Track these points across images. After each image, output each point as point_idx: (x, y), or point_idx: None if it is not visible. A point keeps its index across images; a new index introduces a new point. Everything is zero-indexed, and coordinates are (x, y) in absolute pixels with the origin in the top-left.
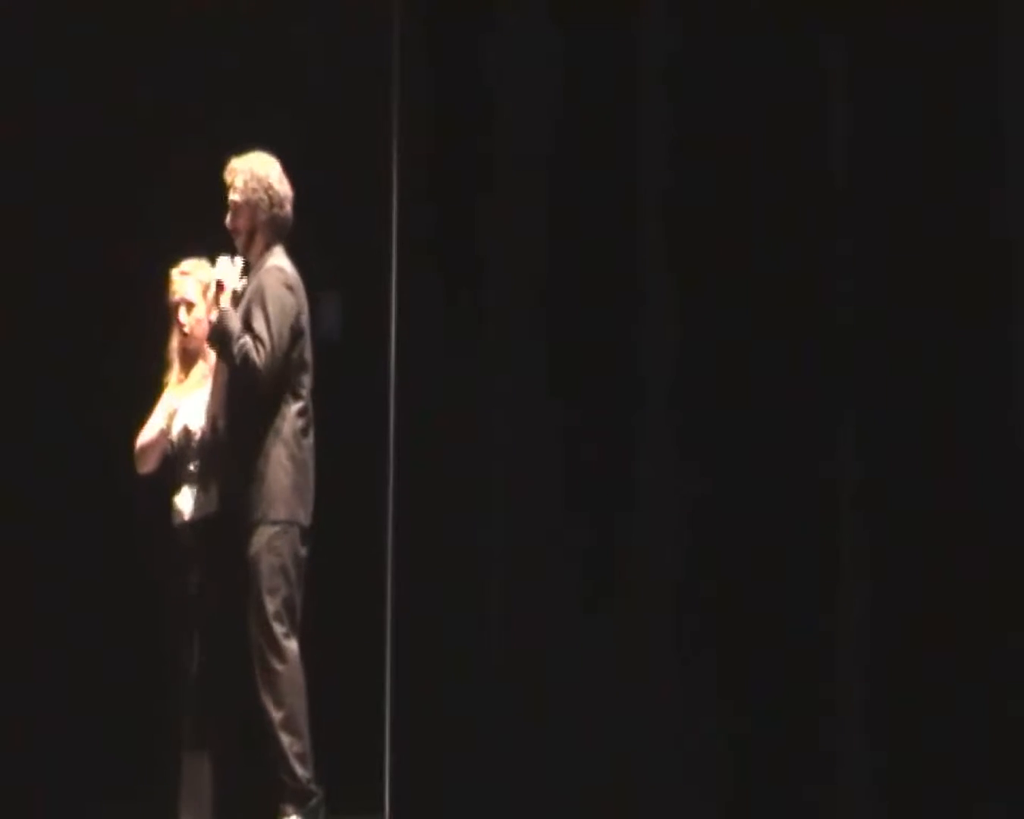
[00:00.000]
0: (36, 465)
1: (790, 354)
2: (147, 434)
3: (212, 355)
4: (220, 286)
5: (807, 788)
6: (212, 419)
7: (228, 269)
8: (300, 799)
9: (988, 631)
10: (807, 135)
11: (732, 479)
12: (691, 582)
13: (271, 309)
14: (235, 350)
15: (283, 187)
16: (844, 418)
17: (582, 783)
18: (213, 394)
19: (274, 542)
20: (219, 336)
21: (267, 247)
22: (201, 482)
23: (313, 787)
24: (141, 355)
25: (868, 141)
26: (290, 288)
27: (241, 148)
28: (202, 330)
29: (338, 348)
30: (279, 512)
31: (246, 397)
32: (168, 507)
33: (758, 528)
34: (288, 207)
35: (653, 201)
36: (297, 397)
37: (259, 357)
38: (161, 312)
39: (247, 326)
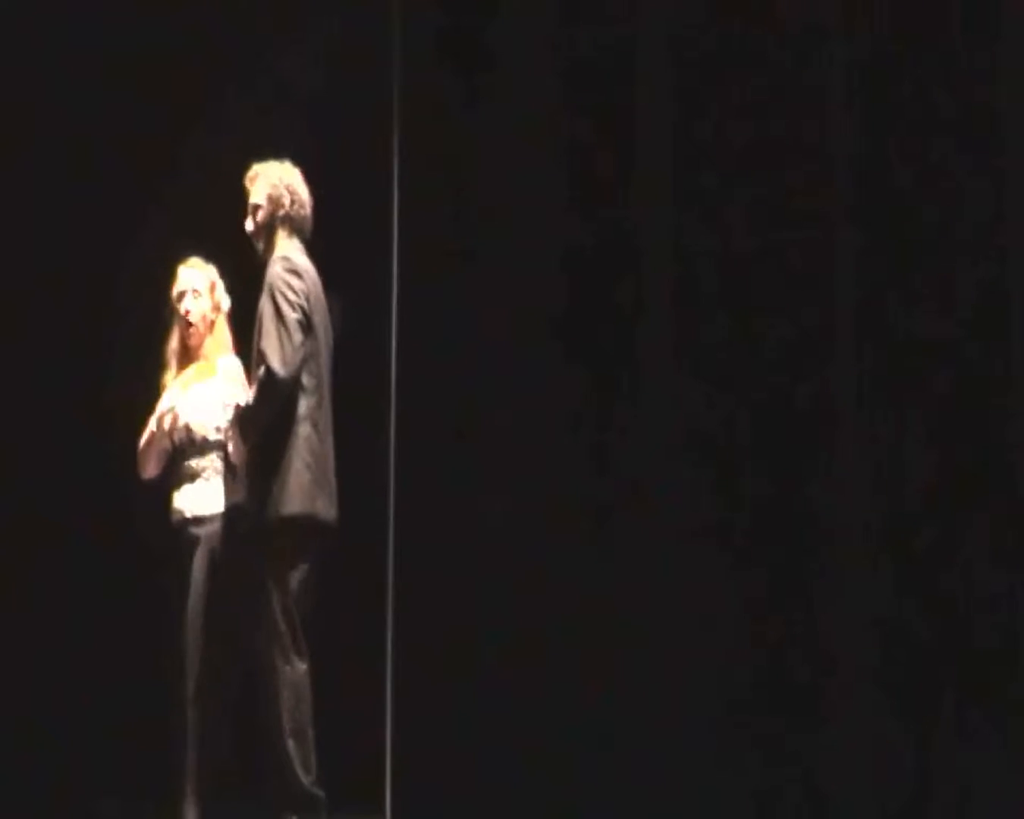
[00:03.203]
0: (36, 464)
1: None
2: (143, 439)
3: (211, 352)
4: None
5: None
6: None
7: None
8: (302, 802)
9: None
10: None
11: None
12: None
13: (281, 302)
14: (253, 412)
15: (304, 192)
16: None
17: (582, 782)
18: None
19: (292, 537)
20: (244, 431)
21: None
22: (202, 480)
23: (315, 790)
24: (142, 354)
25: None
26: (295, 273)
27: (242, 147)
28: (205, 323)
29: (338, 348)
30: (297, 507)
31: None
32: (167, 505)
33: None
34: (307, 211)
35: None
36: (314, 390)
37: (272, 374)
38: (161, 312)
39: (259, 327)
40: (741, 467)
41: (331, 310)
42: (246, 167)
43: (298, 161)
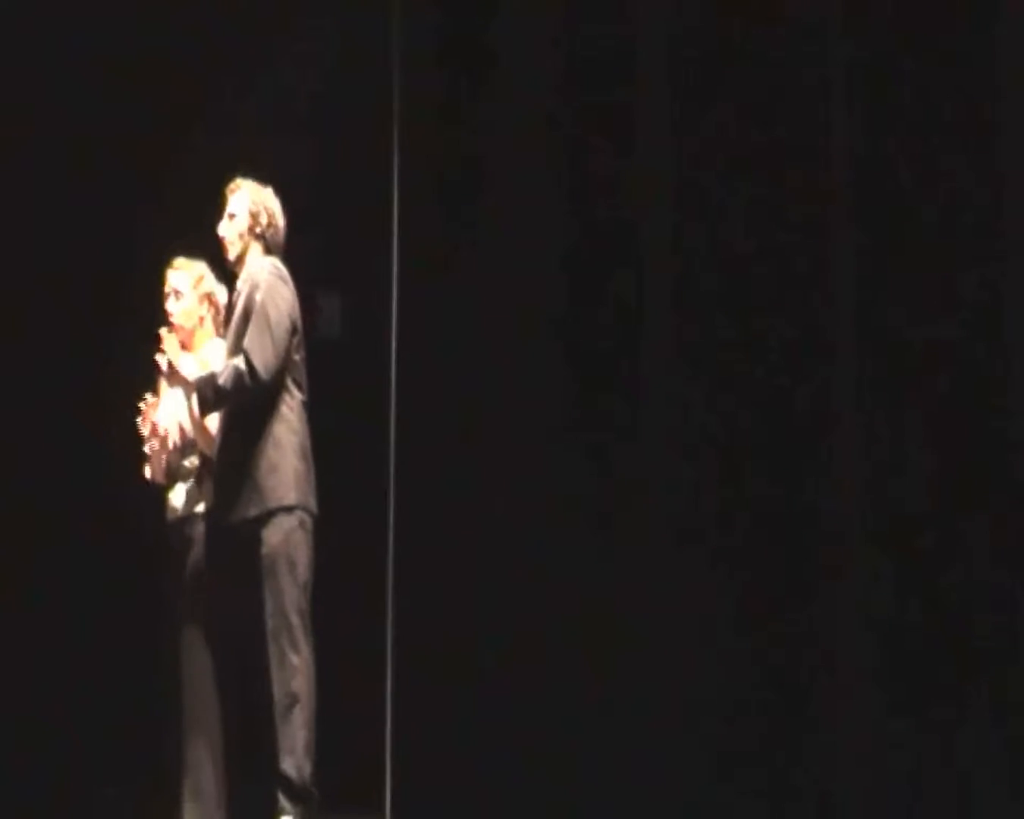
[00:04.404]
0: (34, 463)
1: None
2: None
3: (201, 348)
4: (171, 367)
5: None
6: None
7: (172, 346)
8: (300, 797)
9: None
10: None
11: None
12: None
13: (269, 304)
14: (222, 390)
15: (281, 219)
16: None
17: (582, 782)
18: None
19: (292, 530)
20: (205, 399)
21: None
22: (198, 477)
23: (311, 788)
24: (142, 354)
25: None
26: (283, 280)
27: (242, 147)
28: (191, 322)
29: (338, 348)
30: (293, 498)
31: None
32: (163, 504)
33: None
34: (281, 237)
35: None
36: (299, 388)
37: (255, 375)
38: (158, 312)
39: (245, 318)
40: (741, 467)
41: (325, 309)
42: (239, 170)
43: (298, 161)
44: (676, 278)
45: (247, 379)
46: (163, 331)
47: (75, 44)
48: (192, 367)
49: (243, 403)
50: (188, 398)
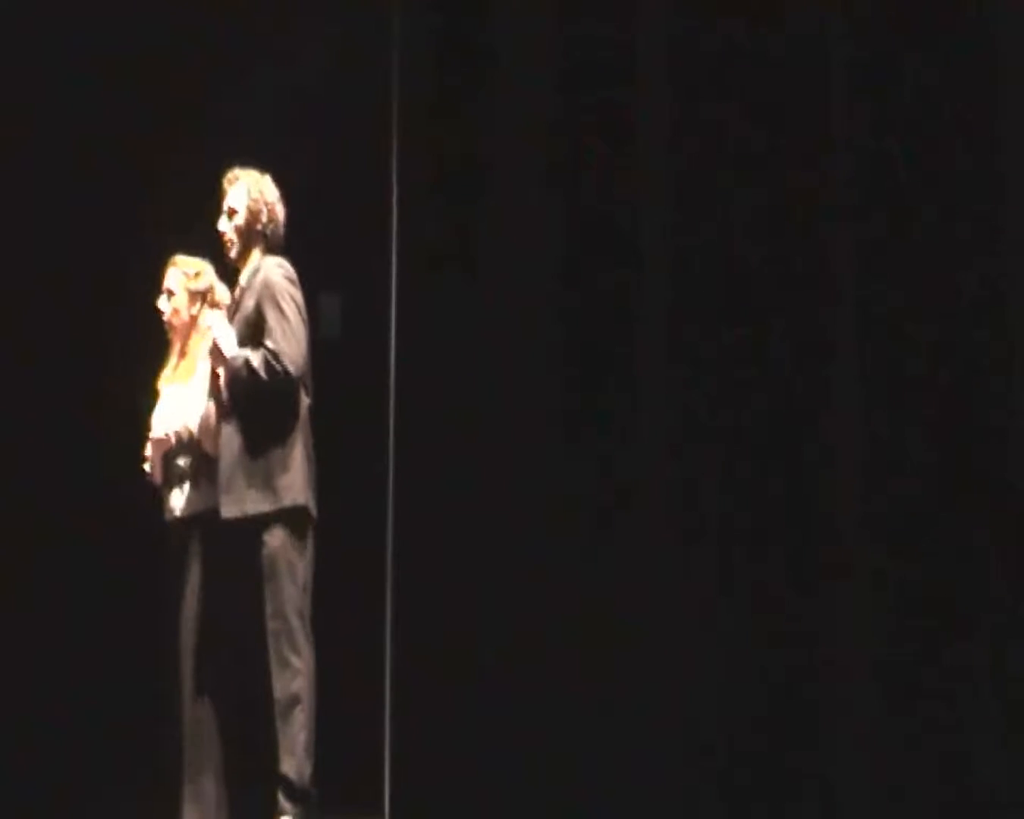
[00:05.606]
0: (34, 463)
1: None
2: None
3: (195, 349)
4: (216, 346)
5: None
6: (227, 418)
7: (218, 322)
8: (300, 798)
9: None
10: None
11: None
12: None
13: (286, 306)
14: (256, 373)
15: (280, 211)
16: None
17: (582, 782)
18: (218, 396)
19: (293, 532)
20: (239, 377)
21: (261, 255)
22: (195, 478)
23: (311, 788)
24: (142, 354)
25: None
26: (293, 282)
27: (241, 147)
28: (180, 321)
29: (338, 348)
30: (300, 499)
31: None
32: (161, 505)
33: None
34: (281, 231)
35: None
36: (306, 391)
37: (283, 361)
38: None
39: (259, 321)
40: (741, 467)
41: (326, 309)
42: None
43: (298, 161)
44: (676, 278)
45: (279, 371)
46: (207, 310)
47: (75, 44)
48: (232, 344)
49: (265, 396)
50: (216, 377)
